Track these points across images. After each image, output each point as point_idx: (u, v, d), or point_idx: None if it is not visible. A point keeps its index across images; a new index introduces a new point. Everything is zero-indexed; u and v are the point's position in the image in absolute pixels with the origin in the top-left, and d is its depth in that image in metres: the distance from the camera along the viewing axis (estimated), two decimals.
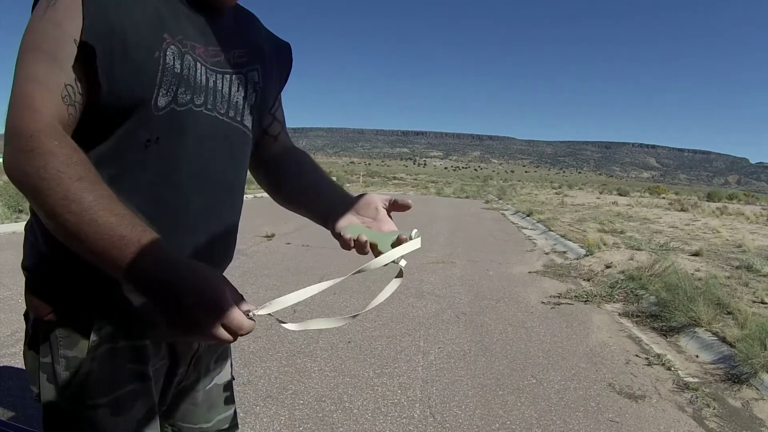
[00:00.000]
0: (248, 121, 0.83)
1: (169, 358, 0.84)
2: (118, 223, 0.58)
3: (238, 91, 0.80)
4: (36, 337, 0.75)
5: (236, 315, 0.59)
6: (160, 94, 0.69)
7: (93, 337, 0.73)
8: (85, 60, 0.65)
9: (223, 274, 0.83)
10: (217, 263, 0.83)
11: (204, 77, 0.74)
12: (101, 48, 0.65)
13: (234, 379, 1.02)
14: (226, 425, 0.98)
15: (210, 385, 0.94)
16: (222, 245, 0.84)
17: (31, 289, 0.75)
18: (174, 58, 0.70)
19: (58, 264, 0.71)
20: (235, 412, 1.01)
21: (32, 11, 0.68)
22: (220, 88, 0.77)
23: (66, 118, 0.64)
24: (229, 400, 0.99)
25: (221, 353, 0.96)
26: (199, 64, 0.74)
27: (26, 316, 0.78)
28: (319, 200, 0.88)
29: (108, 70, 0.66)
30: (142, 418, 0.77)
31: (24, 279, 0.78)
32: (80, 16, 0.64)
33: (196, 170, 0.75)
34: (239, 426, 1.03)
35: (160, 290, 0.58)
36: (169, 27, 0.71)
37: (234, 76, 0.80)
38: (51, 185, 0.57)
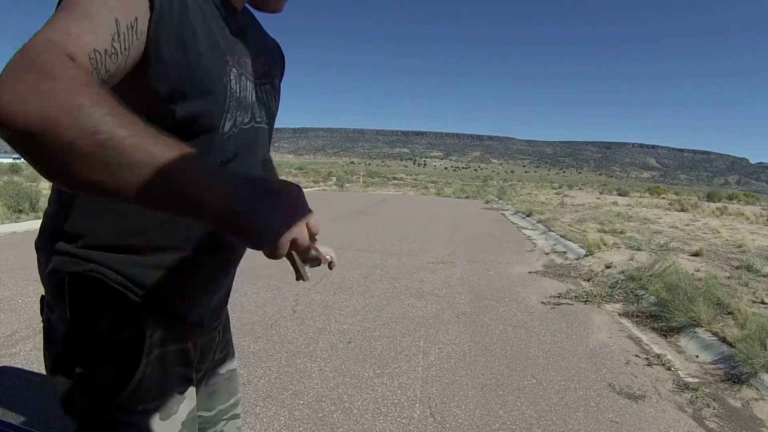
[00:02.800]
0: (273, 124, 0.88)
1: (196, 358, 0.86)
2: (180, 145, 0.51)
3: (270, 99, 0.84)
4: (70, 346, 0.70)
5: (312, 218, 0.57)
6: (227, 119, 0.70)
7: (147, 342, 0.71)
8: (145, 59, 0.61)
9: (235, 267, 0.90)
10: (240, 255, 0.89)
11: (253, 94, 0.76)
12: (169, 48, 0.62)
13: (236, 370, 1.03)
14: (227, 415, 0.98)
15: (212, 373, 0.94)
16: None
17: (75, 296, 0.69)
18: (236, 82, 0.71)
19: (106, 267, 0.69)
20: (237, 402, 1.01)
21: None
22: (263, 100, 0.80)
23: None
24: (232, 390, 0.99)
25: (225, 344, 0.97)
26: (249, 83, 0.75)
27: (49, 323, 0.74)
28: None
29: (172, 78, 0.63)
30: (185, 420, 0.78)
31: (51, 286, 0.73)
32: (146, 2, 0.61)
33: None
34: (241, 417, 1.03)
35: (251, 196, 0.51)
36: (225, 44, 0.70)
37: (267, 86, 0.83)
38: (90, 105, 0.47)
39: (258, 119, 0.78)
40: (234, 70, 0.71)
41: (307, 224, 0.56)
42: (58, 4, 0.59)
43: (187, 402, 0.78)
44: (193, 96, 0.65)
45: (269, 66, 0.84)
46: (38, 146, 0.46)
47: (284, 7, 0.83)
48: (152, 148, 0.48)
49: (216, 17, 0.70)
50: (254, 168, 0.82)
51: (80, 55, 0.52)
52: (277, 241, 0.52)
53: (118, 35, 0.57)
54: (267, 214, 0.51)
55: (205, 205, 0.49)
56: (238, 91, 0.72)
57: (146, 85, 0.63)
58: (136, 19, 0.60)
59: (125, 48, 0.59)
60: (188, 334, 0.78)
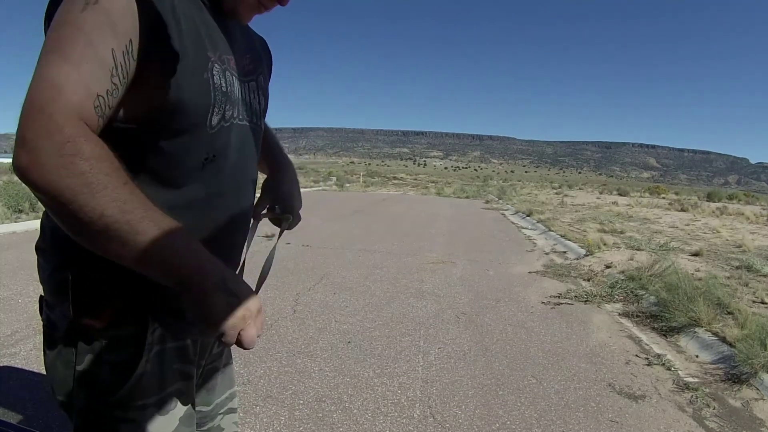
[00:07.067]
0: (262, 123, 0.88)
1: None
2: (169, 220, 0.60)
3: (255, 98, 0.84)
4: (71, 344, 0.71)
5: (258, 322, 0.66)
6: (214, 113, 0.71)
7: (149, 339, 0.73)
8: (149, 66, 0.63)
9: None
10: (241, 248, 0.91)
11: (239, 90, 0.77)
12: (166, 55, 0.64)
13: (232, 363, 1.03)
14: (223, 408, 0.99)
15: (210, 368, 0.95)
16: (245, 233, 0.92)
17: (78, 295, 0.69)
18: (220, 77, 0.71)
19: (109, 265, 0.68)
20: (233, 395, 1.02)
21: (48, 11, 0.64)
22: (246, 98, 0.80)
23: (95, 129, 0.60)
24: (228, 384, 1.00)
25: None
26: (234, 79, 0.75)
27: (50, 322, 0.74)
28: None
29: (173, 80, 0.64)
30: (183, 416, 0.79)
31: (55, 286, 0.73)
32: (136, 18, 0.62)
33: (235, 179, 0.79)
34: (238, 411, 1.03)
35: (216, 275, 0.62)
36: (209, 42, 0.71)
37: (252, 83, 0.83)
38: (98, 188, 0.55)
39: (241, 116, 0.78)
40: (217, 66, 0.71)
41: (240, 333, 0.62)
42: (48, 30, 0.61)
43: (185, 398, 0.79)
44: (177, 89, 0.65)
45: (254, 64, 0.84)
46: (51, 209, 0.57)
47: (251, 19, 0.82)
48: (146, 229, 0.57)
49: (202, 13, 0.72)
50: (247, 166, 0.82)
51: (87, 110, 0.58)
52: (212, 328, 0.61)
53: (116, 68, 0.61)
54: (212, 302, 0.61)
55: (181, 277, 0.60)
56: (223, 85, 0.72)
57: (141, 84, 0.65)
58: (131, 41, 0.62)
59: (124, 77, 0.62)
60: (188, 332, 0.79)
